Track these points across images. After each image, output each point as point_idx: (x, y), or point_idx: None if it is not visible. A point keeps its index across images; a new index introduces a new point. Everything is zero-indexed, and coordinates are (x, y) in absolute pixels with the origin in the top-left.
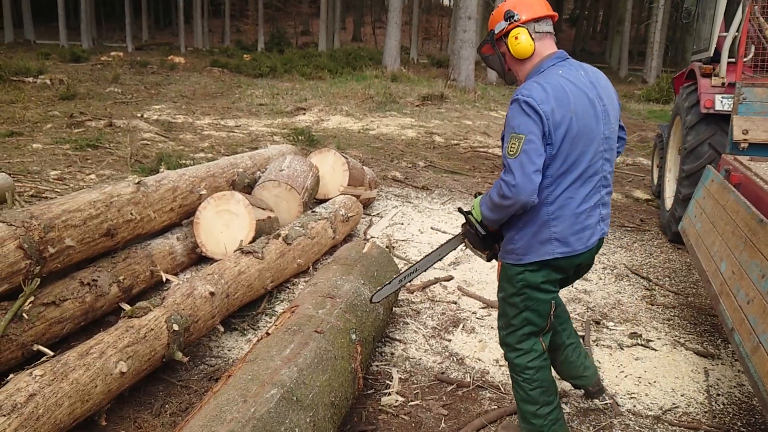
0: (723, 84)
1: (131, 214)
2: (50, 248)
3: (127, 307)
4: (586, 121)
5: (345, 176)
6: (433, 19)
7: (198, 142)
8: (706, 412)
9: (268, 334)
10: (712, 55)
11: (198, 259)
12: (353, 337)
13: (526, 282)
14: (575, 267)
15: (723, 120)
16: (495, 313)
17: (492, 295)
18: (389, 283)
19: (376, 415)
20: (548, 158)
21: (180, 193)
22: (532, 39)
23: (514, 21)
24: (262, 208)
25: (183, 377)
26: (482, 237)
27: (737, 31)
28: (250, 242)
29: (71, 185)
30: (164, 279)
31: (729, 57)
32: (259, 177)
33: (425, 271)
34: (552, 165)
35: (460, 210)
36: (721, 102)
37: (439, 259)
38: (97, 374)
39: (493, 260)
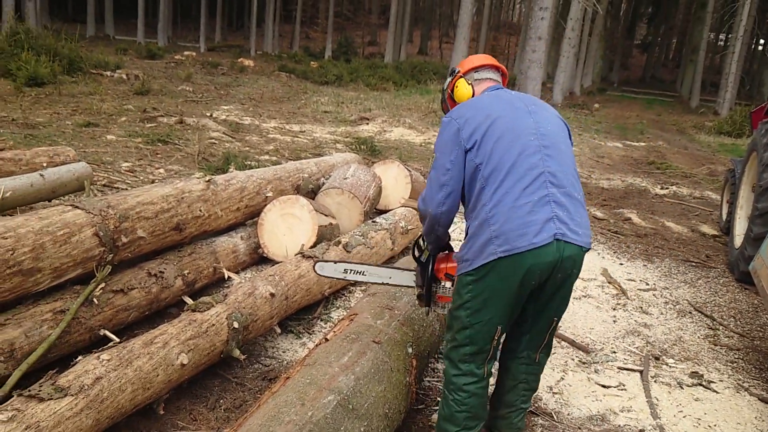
0: None
1: (200, 210)
2: (123, 238)
3: (189, 300)
4: (511, 121)
5: (407, 189)
6: (500, 37)
7: (263, 145)
8: None
9: (326, 339)
10: None
11: (259, 259)
12: (409, 350)
13: (473, 293)
14: (527, 274)
15: None
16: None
17: None
18: (335, 263)
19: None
20: (478, 161)
21: (247, 193)
22: (470, 85)
23: (455, 75)
24: (325, 215)
25: (238, 374)
26: (421, 266)
27: None
28: (311, 247)
29: (141, 178)
30: (226, 276)
31: None
32: (323, 183)
33: (376, 283)
34: (483, 166)
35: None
36: None
37: (388, 281)
38: (160, 364)
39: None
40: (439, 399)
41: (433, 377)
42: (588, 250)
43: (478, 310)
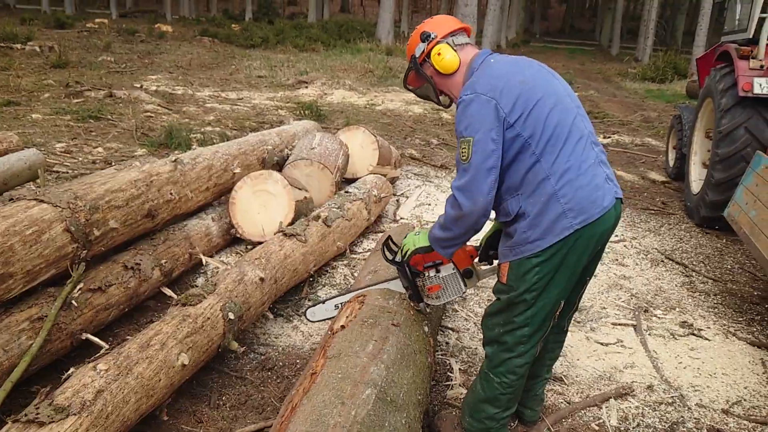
0: (761, 67)
1: (170, 193)
2: (95, 231)
3: (168, 291)
4: (548, 85)
5: (375, 155)
6: None
7: (203, 115)
8: None
9: (342, 327)
10: (751, 36)
11: (231, 240)
12: (426, 329)
13: (541, 274)
14: (599, 240)
15: (760, 104)
16: None
17: None
18: (324, 303)
19: (443, 409)
20: (527, 134)
21: (215, 171)
22: (455, 50)
23: (432, 40)
24: (298, 188)
25: (235, 367)
26: (399, 267)
27: None
28: (290, 224)
29: (80, 159)
30: (204, 262)
31: None
32: (288, 155)
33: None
34: (536, 138)
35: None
36: (760, 85)
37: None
38: (160, 367)
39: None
40: (449, 374)
41: (438, 351)
42: None
43: (545, 290)
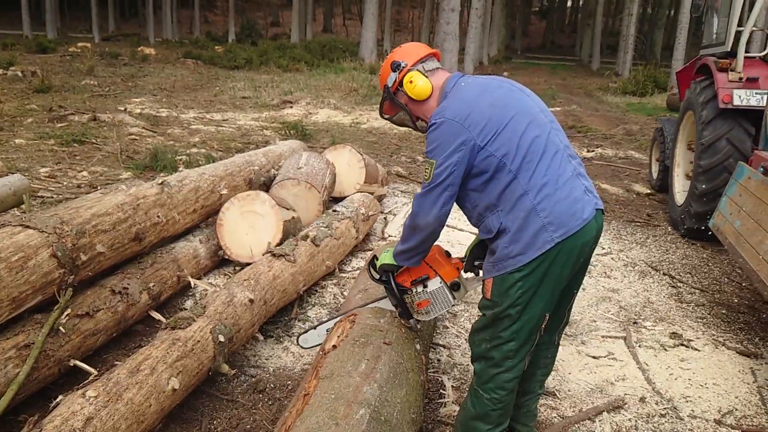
0: (740, 79)
1: (158, 216)
2: (82, 255)
3: (157, 315)
4: (518, 103)
5: (362, 173)
6: (403, 11)
7: (188, 137)
8: (763, 414)
9: (334, 346)
10: (729, 49)
11: (219, 262)
12: (417, 347)
13: (524, 288)
14: (581, 252)
15: (740, 115)
16: None
17: None
18: (315, 329)
19: (436, 427)
20: (501, 153)
21: (202, 193)
22: (426, 76)
23: (403, 68)
24: (286, 208)
25: (225, 390)
26: (385, 285)
27: (754, 26)
28: (278, 244)
29: (65, 183)
30: (192, 285)
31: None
32: (275, 175)
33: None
34: (511, 156)
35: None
36: (740, 97)
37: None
38: (151, 392)
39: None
40: (442, 391)
41: (430, 369)
42: None
43: (529, 304)
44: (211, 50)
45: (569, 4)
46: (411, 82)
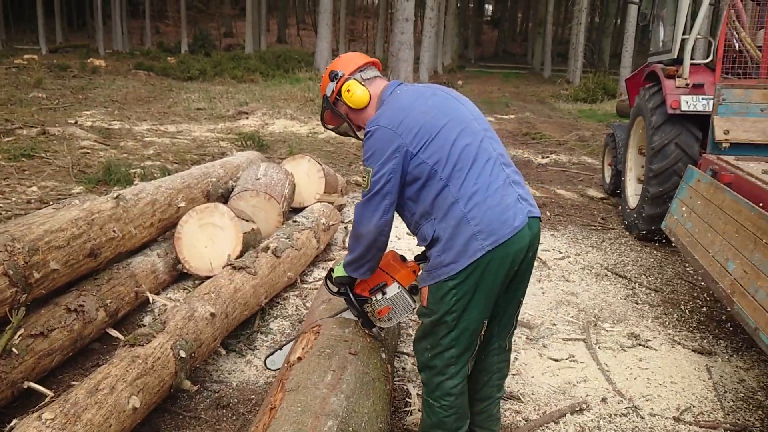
0: (687, 85)
1: (113, 231)
2: (35, 273)
3: (114, 332)
4: (452, 111)
5: (321, 183)
6: (358, 21)
7: (142, 150)
8: (719, 410)
9: (299, 358)
10: (676, 56)
11: (178, 276)
12: (383, 356)
13: (458, 296)
14: (513, 260)
15: (688, 120)
16: None
17: None
18: (281, 349)
19: None
20: (432, 161)
21: (159, 206)
22: (364, 86)
23: (340, 78)
24: (245, 220)
25: (188, 406)
26: (344, 297)
27: (698, 34)
28: (238, 257)
29: (13, 199)
30: (151, 300)
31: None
32: (233, 186)
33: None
34: (442, 164)
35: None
36: (687, 103)
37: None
38: (110, 413)
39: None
40: (407, 400)
41: (396, 378)
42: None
43: (465, 311)
44: (163, 61)
45: (519, 14)
46: (348, 90)
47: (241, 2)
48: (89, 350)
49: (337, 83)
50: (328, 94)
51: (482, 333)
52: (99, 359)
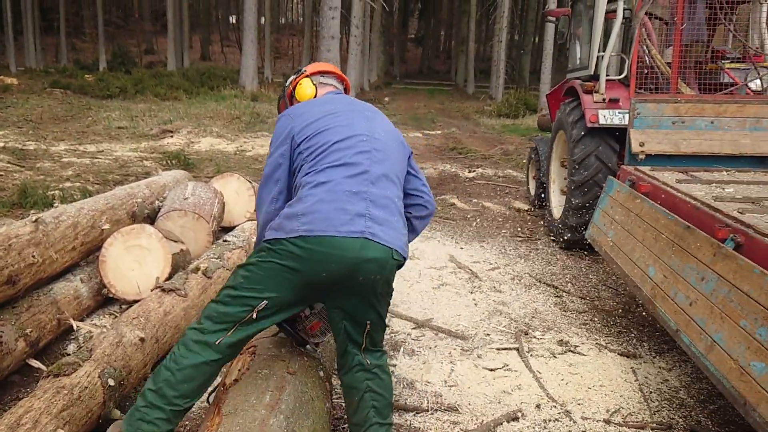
0: (604, 100)
1: (33, 257)
2: None
3: (35, 363)
4: (346, 119)
5: (251, 201)
6: (283, 39)
7: (60, 171)
8: (646, 410)
9: (236, 380)
10: (593, 73)
11: (104, 301)
12: (321, 374)
13: (261, 260)
14: (321, 261)
15: (606, 133)
16: (429, 333)
17: (418, 313)
18: None
19: None
20: (307, 152)
21: (81, 229)
22: (314, 85)
23: (301, 74)
24: (174, 241)
25: None
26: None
27: (613, 52)
28: (167, 279)
29: None
30: (75, 327)
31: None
32: (159, 207)
33: None
34: (311, 156)
35: None
36: (605, 117)
37: None
38: None
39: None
40: (344, 416)
41: (334, 395)
42: (403, 261)
43: (258, 280)
44: (80, 79)
45: (443, 32)
46: (300, 85)
47: (162, 18)
48: (9, 383)
49: (296, 77)
50: (287, 85)
51: (255, 315)
52: (20, 392)
